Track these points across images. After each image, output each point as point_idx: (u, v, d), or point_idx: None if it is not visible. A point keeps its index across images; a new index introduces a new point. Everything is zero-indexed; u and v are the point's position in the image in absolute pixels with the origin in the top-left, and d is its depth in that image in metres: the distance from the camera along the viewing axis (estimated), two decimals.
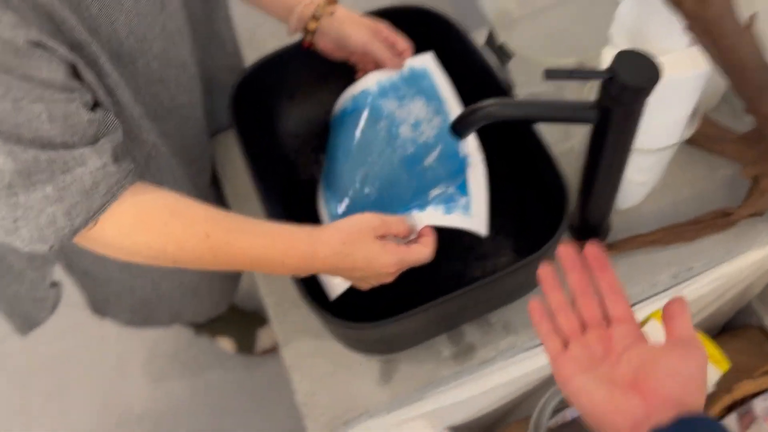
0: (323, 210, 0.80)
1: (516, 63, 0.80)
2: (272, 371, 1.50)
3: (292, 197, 0.84)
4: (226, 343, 1.49)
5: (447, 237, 0.72)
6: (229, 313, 1.47)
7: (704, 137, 0.82)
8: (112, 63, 0.61)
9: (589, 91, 0.76)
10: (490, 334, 0.78)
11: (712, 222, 0.80)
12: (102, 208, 0.55)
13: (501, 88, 0.75)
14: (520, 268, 0.66)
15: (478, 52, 0.78)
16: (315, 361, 0.79)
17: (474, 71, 0.79)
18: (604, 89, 0.60)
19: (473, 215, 0.71)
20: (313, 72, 0.87)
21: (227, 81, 0.83)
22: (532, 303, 0.53)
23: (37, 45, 0.50)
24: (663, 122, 0.70)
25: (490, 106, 0.66)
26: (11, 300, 0.94)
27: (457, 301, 0.67)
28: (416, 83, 0.81)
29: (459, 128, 0.70)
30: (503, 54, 0.75)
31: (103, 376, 1.54)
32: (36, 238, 0.55)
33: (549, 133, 0.77)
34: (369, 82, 0.81)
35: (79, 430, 1.50)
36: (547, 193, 0.74)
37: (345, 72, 0.84)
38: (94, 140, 0.55)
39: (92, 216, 0.55)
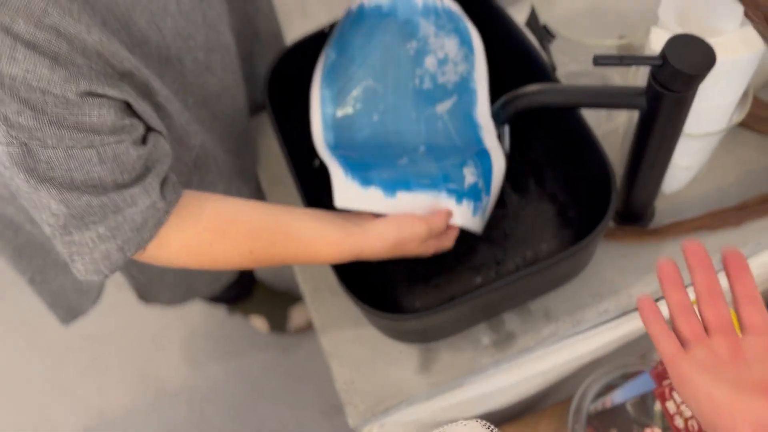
0: (315, 102, 0.74)
1: (557, 42, 0.77)
2: (305, 351, 1.51)
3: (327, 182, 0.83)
4: (259, 323, 1.51)
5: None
6: (260, 292, 1.48)
7: (753, 118, 0.79)
8: (161, 75, 0.61)
9: (635, 74, 0.73)
10: (530, 322, 0.77)
11: (759, 206, 0.77)
12: (151, 238, 0.58)
13: (545, 71, 0.72)
14: (566, 258, 0.65)
15: (520, 31, 0.75)
16: (354, 348, 0.79)
17: (515, 52, 0.76)
18: (654, 75, 0.57)
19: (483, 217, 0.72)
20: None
21: (266, 57, 0.82)
22: (643, 301, 0.49)
23: (88, 94, 0.50)
24: (712, 106, 0.68)
25: (535, 93, 0.65)
26: (56, 292, 0.95)
27: (497, 292, 0.66)
28: (455, 22, 0.77)
29: (501, 114, 0.68)
30: (546, 34, 0.72)
31: (140, 354, 1.57)
32: (91, 271, 0.58)
33: (592, 112, 0.75)
34: None
35: (115, 405, 1.54)
36: (590, 178, 0.72)
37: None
38: (143, 174, 0.56)
39: (142, 246, 0.58)
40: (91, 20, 0.50)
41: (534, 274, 0.65)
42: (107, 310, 1.57)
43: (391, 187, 0.67)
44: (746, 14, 0.54)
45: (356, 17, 0.77)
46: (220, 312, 1.56)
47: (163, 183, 0.58)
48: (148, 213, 0.56)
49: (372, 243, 0.63)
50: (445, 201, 0.69)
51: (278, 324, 1.51)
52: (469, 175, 0.71)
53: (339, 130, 0.73)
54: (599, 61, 0.57)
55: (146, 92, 0.58)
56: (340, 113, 0.75)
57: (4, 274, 1.28)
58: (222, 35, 0.70)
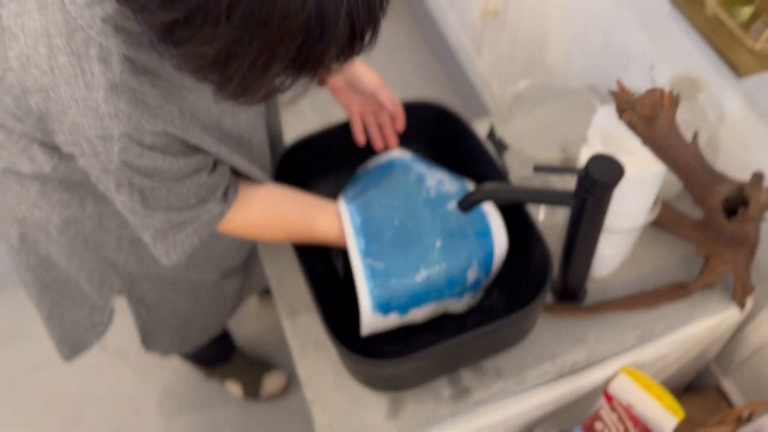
0: (344, 212, 0.89)
1: (511, 152, 0.97)
2: (276, 416, 1.61)
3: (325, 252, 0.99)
4: (233, 388, 1.61)
5: None
6: (238, 358, 1.60)
7: (666, 221, 0.98)
8: (238, 150, 0.84)
9: (570, 179, 0.93)
10: (483, 378, 0.92)
11: (671, 292, 0.96)
12: (218, 225, 0.84)
13: (499, 174, 0.92)
14: (507, 323, 0.81)
15: (482, 142, 0.95)
16: (333, 396, 0.92)
17: (477, 157, 0.96)
18: (580, 182, 0.76)
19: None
20: (338, 155, 1.04)
21: (274, 148, 1.04)
22: None
23: (185, 164, 0.75)
24: (629, 209, 0.87)
25: (491, 189, 0.83)
26: (68, 325, 1.08)
27: (452, 347, 0.82)
28: (439, 167, 0.98)
29: (464, 204, 0.86)
30: (501, 146, 0.92)
31: (117, 412, 1.65)
32: (178, 258, 0.83)
33: (538, 210, 0.94)
34: (403, 153, 0.98)
35: None
36: (535, 261, 0.90)
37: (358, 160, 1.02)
38: (214, 189, 0.80)
39: (213, 231, 0.84)
40: (194, 127, 0.71)
41: (479, 335, 0.81)
42: (86, 370, 1.66)
43: (405, 308, 0.86)
44: (642, 143, 0.74)
45: (364, 172, 1.00)
46: (195, 375, 1.66)
47: (226, 189, 0.82)
48: (218, 216, 0.82)
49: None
50: (448, 301, 0.87)
51: (252, 391, 1.61)
52: (471, 275, 0.87)
53: (367, 235, 0.88)
54: (538, 169, 0.76)
55: (218, 153, 0.80)
56: (366, 223, 0.89)
57: None
58: (262, 122, 0.91)
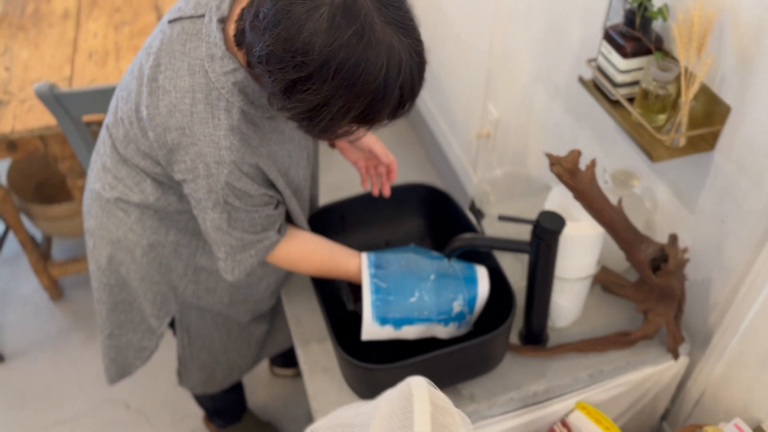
0: (363, 254, 1.14)
1: (486, 219, 1.23)
2: None
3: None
4: None
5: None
6: (247, 420, 1.76)
7: (612, 284, 1.22)
8: (296, 195, 1.12)
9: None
10: (459, 400, 1.11)
11: (616, 339, 1.17)
12: (271, 252, 1.09)
13: (476, 232, 1.17)
14: (472, 345, 1.03)
15: (464, 212, 1.21)
16: (335, 407, 1.11)
17: (460, 222, 1.22)
18: (534, 231, 1.01)
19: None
20: (356, 219, 1.30)
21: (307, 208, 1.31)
22: None
23: (264, 194, 1.01)
24: (576, 263, 1.11)
25: (468, 238, 1.09)
26: (121, 347, 1.29)
27: (429, 360, 1.02)
28: None
29: (448, 251, 1.11)
30: (479, 214, 1.18)
31: None
32: (241, 274, 1.07)
33: (510, 265, 1.18)
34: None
35: None
36: (505, 303, 1.12)
37: (368, 225, 1.29)
38: (274, 222, 1.04)
39: (262, 259, 1.09)
40: (274, 168, 1.00)
41: (451, 354, 1.02)
42: (111, 427, 1.81)
43: (399, 323, 1.08)
44: (573, 196, 0.99)
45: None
46: None
47: (281, 225, 1.08)
48: (275, 243, 1.07)
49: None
50: (435, 326, 1.10)
51: None
52: (457, 306, 1.10)
53: (378, 265, 1.12)
54: (501, 218, 1.01)
55: (281, 193, 1.07)
56: (379, 259, 1.14)
57: None
58: (310, 182, 1.19)
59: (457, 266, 1.12)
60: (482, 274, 1.12)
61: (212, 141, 0.92)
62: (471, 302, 1.11)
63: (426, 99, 2.45)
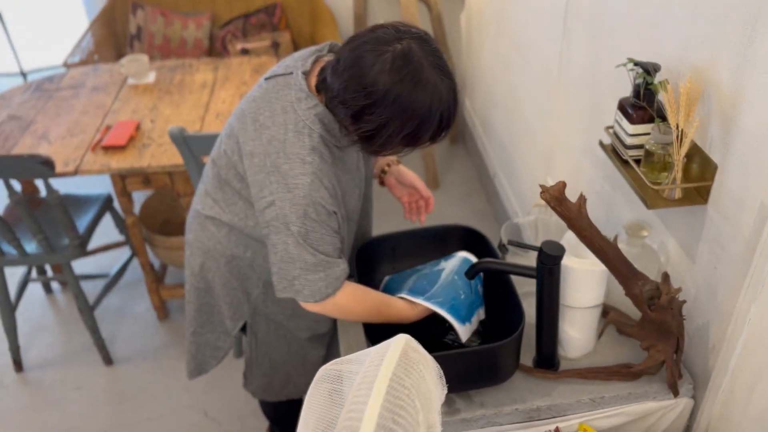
0: (416, 299, 1.34)
1: (510, 253, 1.43)
2: None
3: None
4: None
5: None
6: None
7: (619, 323, 1.35)
8: (347, 221, 1.35)
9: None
10: (471, 405, 1.28)
11: (619, 370, 1.29)
12: (339, 287, 1.25)
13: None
14: (478, 350, 1.21)
15: (494, 247, 1.42)
16: None
17: (490, 256, 1.42)
18: (538, 256, 1.20)
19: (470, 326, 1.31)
20: (406, 250, 1.54)
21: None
22: None
23: (333, 213, 1.25)
24: (582, 295, 1.27)
25: (486, 262, 1.29)
26: (201, 345, 1.56)
27: (442, 363, 1.20)
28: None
29: (470, 273, 1.32)
30: (504, 249, 1.38)
31: None
32: (309, 296, 1.24)
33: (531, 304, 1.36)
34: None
35: None
36: (514, 319, 1.29)
37: (416, 256, 1.51)
38: (341, 254, 1.27)
39: (336, 290, 1.25)
40: (339, 188, 1.26)
41: (457, 355, 1.20)
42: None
43: (469, 317, 1.31)
44: (568, 226, 1.18)
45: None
46: None
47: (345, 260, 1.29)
48: (342, 274, 1.25)
49: (413, 313, 1.30)
50: (480, 311, 1.34)
51: None
52: (475, 319, 1.33)
53: (421, 293, 1.35)
54: (511, 243, 1.21)
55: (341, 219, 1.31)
56: (418, 290, 1.38)
57: None
58: (359, 217, 1.44)
59: (474, 289, 1.34)
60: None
61: (299, 158, 1.19)
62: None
63: (499, 172, 2.69)
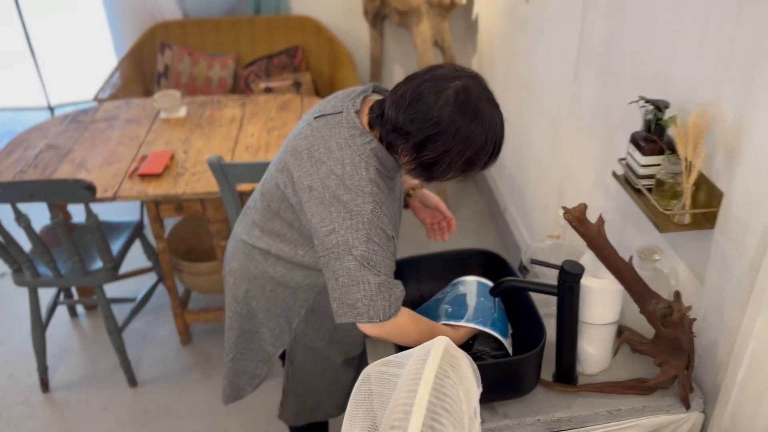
0: (459, 322, 1.43)
1: (530, 274, 1.53)
2: None
3: None
4: None
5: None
6: None
7: (632, 342, 1.45)
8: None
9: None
10: (494, 415, 1.36)
11: (634, 384, 1.38)
12: (398, 310, 1.30)
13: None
14: (503, 362, 1.30)
15: (515, 270, 1.52)
16: None
17: (510, 274, 1.52)
18: (559, 274, 1.31)
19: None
20: (430, 272, 1.64)
21: None
22: None
23: (392, 237, 1.34)
24: (599, 312, 1.37)
25: (509, 281, 1.39)
26: (238, 371, 1.64)
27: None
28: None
29: (494, 291, 1.42)
30: (524, 270, 1.48)
31: None
32: (374, 315, 1.27)
33: (552, 323, 1.45)
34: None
35: None
36: (534, 335, 1.39)
37: (439, 278, 1.61)
38: (394, 274, 1.32)
39: (395, 312, 1.30)
40: (389, 214, 1.33)
41: (486, 367, 1.29)
42: None
43: (507, 331, 1.41)
44: (588, 246, 1.28)
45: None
46: None
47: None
48: (400, 295, 1.29)
49: (458, 336, 1.38)
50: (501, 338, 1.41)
51: None
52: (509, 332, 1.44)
53: (462, 317, 1.44)
54: (534, 262, 1.32)
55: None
56: (456, 315, 1.47)
57: None
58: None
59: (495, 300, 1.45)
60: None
61: (359, 189, 1.28)
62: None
63: (510, 206, 2.80)
